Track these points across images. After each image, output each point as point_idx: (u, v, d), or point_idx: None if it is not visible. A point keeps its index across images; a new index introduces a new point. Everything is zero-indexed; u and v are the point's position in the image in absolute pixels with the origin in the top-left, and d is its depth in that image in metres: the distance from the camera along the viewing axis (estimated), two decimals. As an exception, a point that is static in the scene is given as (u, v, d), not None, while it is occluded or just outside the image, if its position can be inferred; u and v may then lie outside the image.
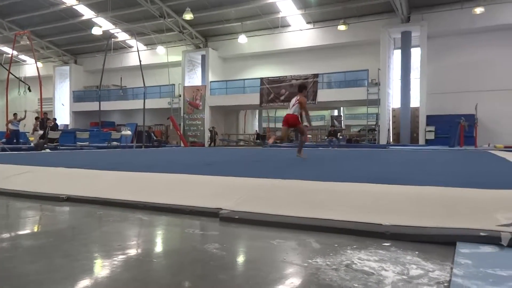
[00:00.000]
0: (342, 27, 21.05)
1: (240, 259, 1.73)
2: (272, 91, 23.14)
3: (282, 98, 22.83)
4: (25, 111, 16.37)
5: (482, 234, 1.72)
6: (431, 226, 1.90)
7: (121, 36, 27.03)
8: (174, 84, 26.53)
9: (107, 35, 24.39)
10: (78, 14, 24.78)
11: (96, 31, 23.38)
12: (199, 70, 26.97)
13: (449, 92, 20.23)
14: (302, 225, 2.10)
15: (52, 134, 14.65)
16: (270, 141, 7.82)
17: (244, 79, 25.13)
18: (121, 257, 1.62)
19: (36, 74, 19.09)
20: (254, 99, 23.59)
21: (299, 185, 2.98)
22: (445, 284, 1.28)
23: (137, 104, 25.39)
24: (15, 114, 15.86)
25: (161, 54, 26.60)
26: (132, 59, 27.97)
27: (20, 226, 2.41)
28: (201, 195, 2.85)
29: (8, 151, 12.14)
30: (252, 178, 3.31)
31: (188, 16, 21.39)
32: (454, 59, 20.48)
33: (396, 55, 21.26)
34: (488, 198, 2.30)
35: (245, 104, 25.15)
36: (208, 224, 2.30)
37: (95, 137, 18.71)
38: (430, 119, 19.81)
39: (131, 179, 3.67)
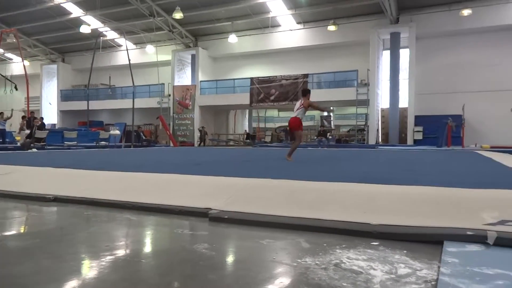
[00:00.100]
0: (332, 28, 21.14)
1: (230, 259, 1.73)
2: (262, 91, 23.15)
3: (272, 98, 22.86)
4: (12, 110, 16.12)
5: (469, 233, 1.74)
6: (419, 225, 1.92)
7: (110, 34, 26.77)
8: (163, 84, 26.36)
9: (96, 34, 24.13)
10: (66, 12, 24.48)
11: (84, 29, 23.12)
12: (189, 70, 26.85)
13: (437, 93, 20.48)
14: (291, 225, 2.10)
15: (39, 134, 14.44)
16: (289, 158, 7.39)
17: (234, 79, 25.10)
18: (109, 257, 1.60)
19: (23, 72, 18.83)
20: (244, 99, 23.58)
21: (289, 185, 2.99)
22: (433, 283, 1.29)
23: (126, 103, 25.18)
24: (1, 113, 15.60)
25: (150, 53, 26.41)
26: (121, 58, 27.72)
27: (6, 226, 2.37)
28: (191, 195, 2.84)
29: (-7, 151, 11.93)
30: (241, 178, 3.30)
31: (178, 15, 21.28)
32: (441, 60, 20.75)
33: (385, 56, 21.43)
34: (474, 198, 2.33)
35: (235, 104, 25.12)
36: (197, 224, 2.29)
37: (83, 136, 18.50)
38: (418, 120, 20.04)
39: (120, 179, 3.64)
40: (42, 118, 19.10)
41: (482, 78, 19.75)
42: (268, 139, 26.96)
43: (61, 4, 23.37)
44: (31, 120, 15.49)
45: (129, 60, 21.08)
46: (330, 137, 22.26)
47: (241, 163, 6.50)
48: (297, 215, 2.20)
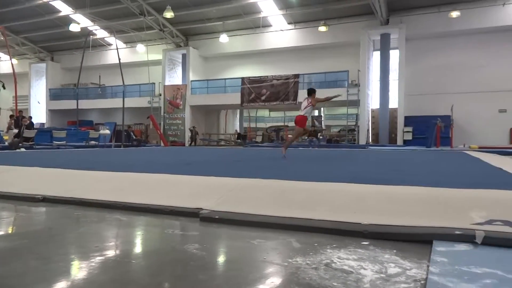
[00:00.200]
0: (322, 28, 21.25)
1: (221, 259, 1.73)
2: (253, 91, 23.16)
3: (263, 98, 22.87)
4: (-1, 109, 15.89)
5: (457, 232, 1.76)
6: (409, 225, 1.93)
7: (100, 33, 26.54)
8: (154, 83, 26.24)
9: (86, 32, 23.89)
10: (55, 10, 24.20)
11: (73, 28, 22.87)
12: (179, 69, 26.75)
13: (426, 94, 20.70)
14: (282, 224, 2.10)
15: (28, 133, 14.26)
16: (284, 151, 7.87)
17: (225, 79, 25.06)
18: (98, 258, 1.58)
19: (11, 71, 18.56)
20: (235, 98, 23.56)
21: (279, 185, 2.99)
22: (422, 282, 1.30)
23: (116, 102, 24.96)
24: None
25: (141, 52, 26.26)
26: (111, 57, 27.49)
27: (-7, 227, 2.34)
28: (181, 195, 2.82)
29: (-20, 150, 11.75)
30: (232, 178, 3.30)
31: (169, 14, 21.19)
32: (431, 62, 20.98)
33: (376, 57, 21.60)
34: (463, 198, 2.36)
35: (226, 104, 25.09)
36: (188, 224, 2.28)
37: (73, 136, 18.29)
38: (408, 120, 20.25)
39: (109, 179, 3.60)
40: (30, 117, 18.89)
41: (470, 79, 20.02)
42: (259, 139, 26.97)
43: (50, 2, 23.11)
44: (20, 119, 15.29)
45: (119, 59, 20.90)
46: (321, 137, 22.36)
47: (232, 163, 6.50)
48: (288, 215, 2.20)
